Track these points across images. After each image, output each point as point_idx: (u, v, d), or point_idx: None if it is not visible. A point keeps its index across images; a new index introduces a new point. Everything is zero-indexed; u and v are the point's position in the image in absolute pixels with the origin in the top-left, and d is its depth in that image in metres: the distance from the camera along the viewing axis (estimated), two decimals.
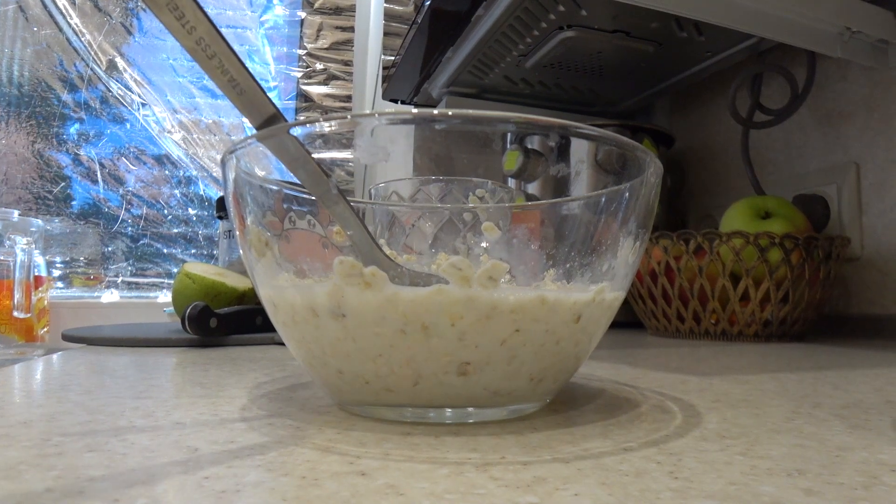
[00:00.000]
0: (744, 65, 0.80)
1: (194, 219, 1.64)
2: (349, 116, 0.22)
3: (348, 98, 1.73)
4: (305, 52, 1.73)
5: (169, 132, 1.61)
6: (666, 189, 0.90)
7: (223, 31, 0.22)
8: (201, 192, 1.65)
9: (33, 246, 1.16)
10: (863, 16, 0.60)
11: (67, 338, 0.54)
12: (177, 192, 1.63)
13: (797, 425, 0.23)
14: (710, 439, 0.20)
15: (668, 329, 0.69)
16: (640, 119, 1.03)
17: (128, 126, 1.59)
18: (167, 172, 1.63)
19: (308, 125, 0.23)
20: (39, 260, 1.27)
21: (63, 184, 1.55)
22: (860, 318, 0.71)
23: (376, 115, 0.23)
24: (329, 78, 1.73)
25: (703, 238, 0.63)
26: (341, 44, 1.74)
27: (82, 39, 1.54)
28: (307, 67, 1.72)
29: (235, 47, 0.22)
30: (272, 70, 1.73)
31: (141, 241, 1.59)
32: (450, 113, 0.21)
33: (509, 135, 0.59)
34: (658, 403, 0.27)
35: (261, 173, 0.24)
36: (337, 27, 1.74)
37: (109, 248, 1.56)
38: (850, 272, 0.74)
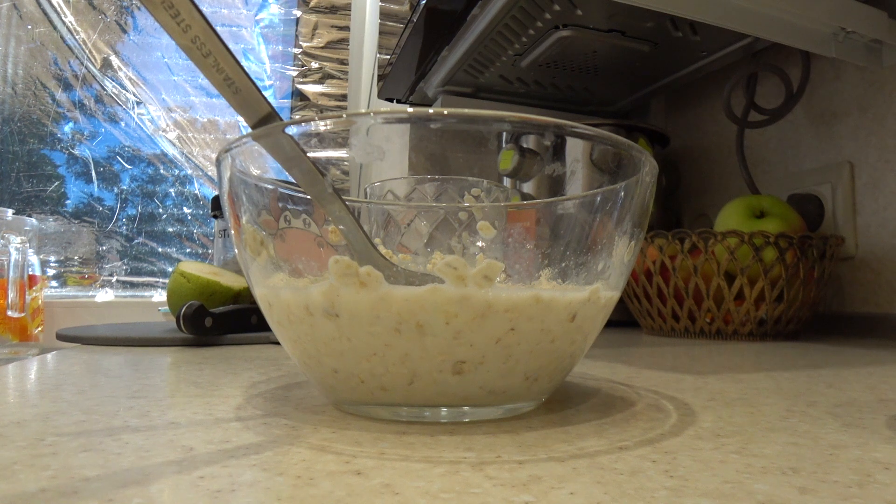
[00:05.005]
0: (739, 64, 0.80)
1: (189, 218, 1.63)
2: (344, 115, 0.22)
3: (344, 97, 1.73)
4: (301, 50, 1.72)
5: (164, 131, 1.61)
6: (661, 188, 0.90)
7: (218, 29, 0.22)
8: (196, 191, 1.64)
9: (27, 245, 1.15)
10: (857, 16, 0.60)
11: (62, 337, 0.54)
12: (172, 191, 1.63)
13: (791, 424, 0.23)
14: (704, 438, 0.20)
15: (664, 328, 0.69)
16: (636, 118, 1.03)
17: (122, 125, 1.59)
18: (162, 171, 1.62)
19: (303, 124, 0.22)
20: (34, 259, 1.26)
21: (57, 183, 1.54)
22: (854, 317, 0.72)
23: (372, 113, 0.22)
24: (324, 77, 1.73)
25: (698, 237, 0.63)
26: (337, 42, 1.74)
27: (76, 38, 1.53)
28: (302, 66, 1.72)
29: (231, 46, 0.22)
30: (267, 69, 1.73)
31: (136, 241, 1.58)
32: (445, 112, 0.21)
33: (505, 134, 0.59)
34: (653, 402, 0.27)
35: (256, 172, 0.24)
36: (332, 26, 1.74)
37: (104, 248, 1.55)
38: (844, 271, 0.74)
